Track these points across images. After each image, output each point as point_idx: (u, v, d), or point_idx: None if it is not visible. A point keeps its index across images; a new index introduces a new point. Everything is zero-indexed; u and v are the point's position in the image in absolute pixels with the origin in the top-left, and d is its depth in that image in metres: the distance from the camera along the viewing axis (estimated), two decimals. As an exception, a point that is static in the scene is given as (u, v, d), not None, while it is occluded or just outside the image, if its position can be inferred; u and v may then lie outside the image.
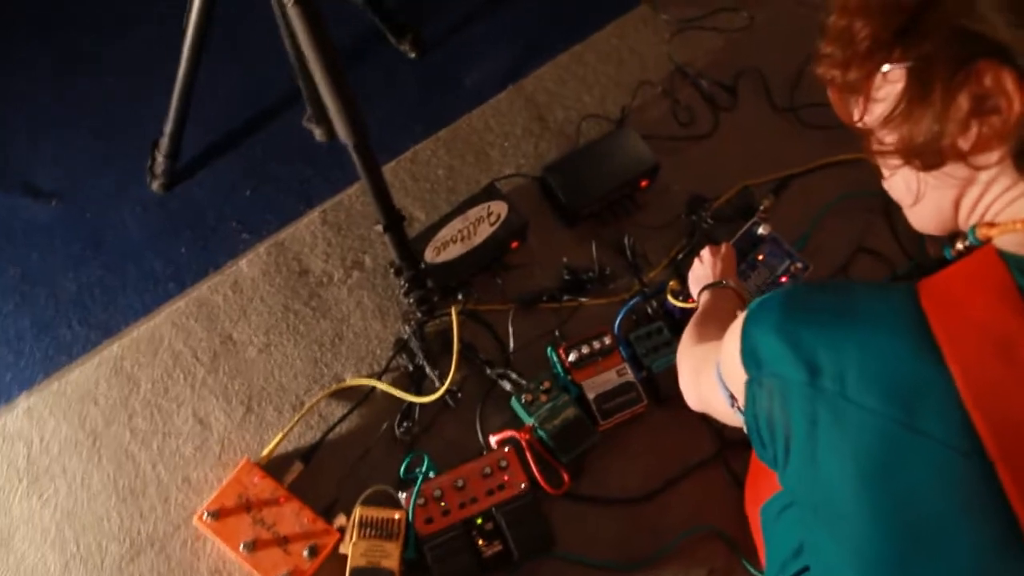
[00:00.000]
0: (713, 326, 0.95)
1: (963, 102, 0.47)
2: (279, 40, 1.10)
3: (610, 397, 1.15)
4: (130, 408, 1.17)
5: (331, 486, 1.12)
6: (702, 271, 1.13)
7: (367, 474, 1.13)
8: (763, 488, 0.97)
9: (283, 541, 1.04)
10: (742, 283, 1.11)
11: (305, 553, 1.03)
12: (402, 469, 1.11)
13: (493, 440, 1.14)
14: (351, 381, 1.20)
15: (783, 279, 1.25)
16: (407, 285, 1.16)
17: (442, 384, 1.15)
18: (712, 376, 0.70)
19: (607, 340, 1.18)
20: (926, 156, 0.52)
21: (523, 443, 1.12)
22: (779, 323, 0.54)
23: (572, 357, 1.17)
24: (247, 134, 1.45)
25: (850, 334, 0.49)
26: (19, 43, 1.52)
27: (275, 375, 1.20)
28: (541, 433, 1.12)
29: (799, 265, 1.26)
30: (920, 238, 1.31)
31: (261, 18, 1.08)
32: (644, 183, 1.33)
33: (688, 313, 1.14)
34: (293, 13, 0.84)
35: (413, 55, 1.53)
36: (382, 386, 1.18)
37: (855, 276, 1.31)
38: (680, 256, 1.30)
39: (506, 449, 1.12)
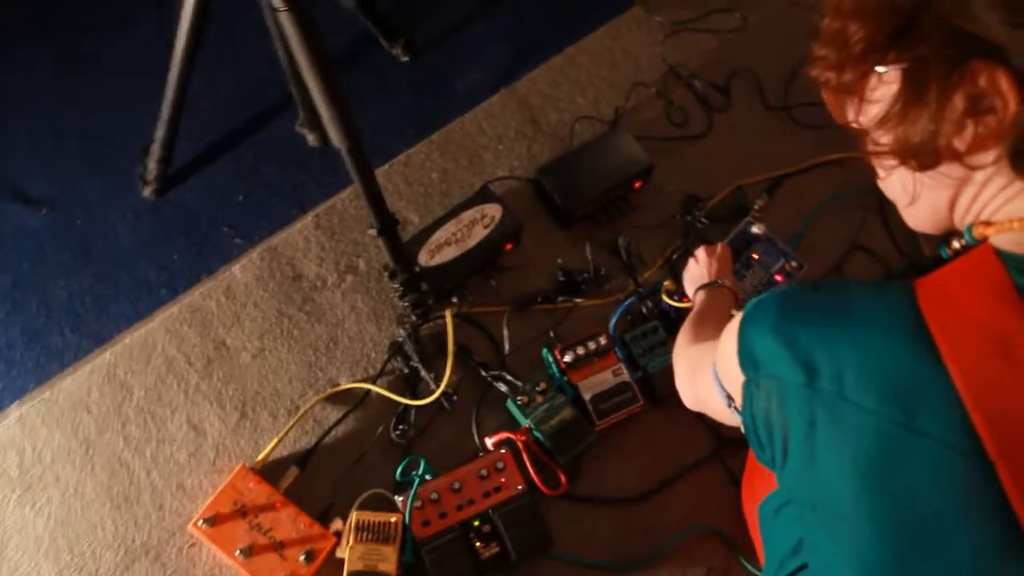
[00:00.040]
0: (709, 326, 0.95)
1: (958, 102, 0.48)
2: (271, 45, 1.09)
3: (606, 397, 1.15)
4: (123, 415, 1.16)
5: (327, 490, 1.11)
6: (697, 271, 1.13)
7: (363, 478, 1.12)
8: (760, 486, 0.98)
9: (279, 546, 1.04)
10: (737, 282, 1.11)
11: (302, 558, 1.03)
12: (398, 472, 1.11)
13: (489, 442, 1.14)
14: (346, 385, 1.19)
15: (778, 278, 1.26)
16: (401, 288, 1.16)
17: (437, 387, 1.15)
18: (709, 376, 0.70)
19: (602, 341, 1.18)
20: (922, 156, 0.52)
21: (519, 444, 1.12)
22: (776, 324, 0.54)
23: (568, 358, 1.17)
24: (239, 139, 1.44)
25: (847, 334, 0.49)
26: (7, 48, 1.51)
27: (269, 380, 1.20)
28: (537, 434, 1.12)
29: (794, 264, 1.26)
30: (914, 236, 1.32)
31: (253, 22, 1.07)
32: (638, 184, 1.34)
33: (683, 313, 1.15)
34: (285, 19, 0.84)
35: (405, 59, 1.53)
36: (377, 389, 1.17)
37: (850, 274, 1.32)
38: (675, 256, 1.31)
39: (502, 451, 1.12)
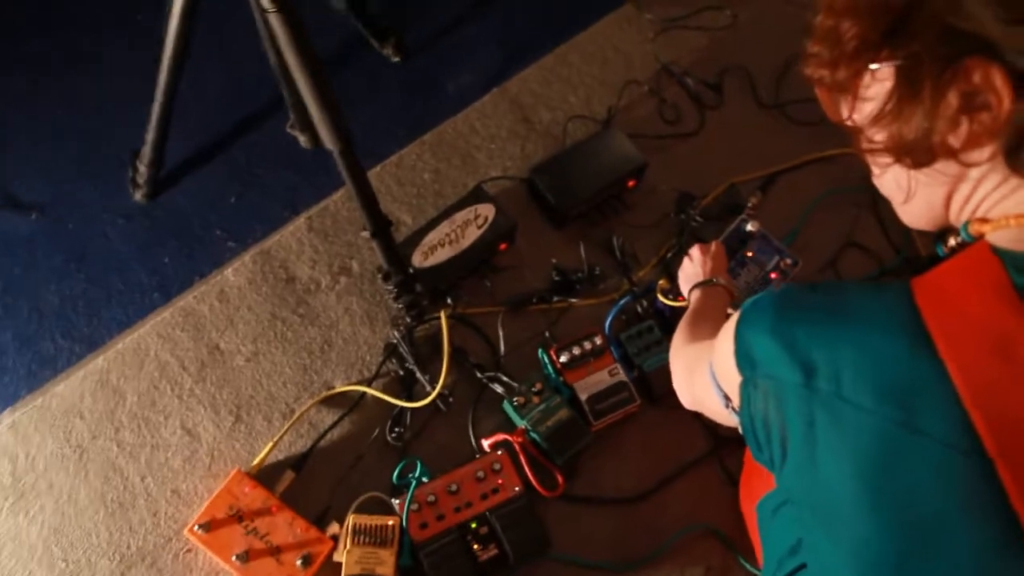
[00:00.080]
0: (705, 325, 0.95)
1: (952, 99, 0.47)
2: (261, 45, 1.09)
3: (602, 397, 1.15)
4: (117, 421, 1.15)
5: (323, 494, 1.11)
6: (692, 269, 1.13)
7: (359, 481, 1.12)
8: (758, 485, 0.98)
9: (276, 551, 1.03)
10: (732, 280, 1.11)
11: (299, 563, 1.02)
12: (395, 475, 1.11)
13: (486, 443, 1.14)
14: (341, 388, 1.19)
15: (773, 275, 1.26)
16: (396, 290, 1.15)
17: (433, 388, 1.14)
18: (705, 376, 0.70)
19: (598, 340, 1.18)
20: (917, 153, 0.52)
21: (516, 446, 1.11)
22: (773, 324, 0.53)
23: (563, 358, 1.16)
24: (231, 141, 1.43)
25: (845, 333, 0.49)
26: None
27: (264, 384, 1.19)
28: (534, 435, 1.12)
29: (788, 261, 1.26)
30: (906, 232, 1.32)
31: (243, 23, 1.06)
32: (632, 183, 1.33)
33: (678, 311, 1.15)
34: (274, 20, 0.83)
35: (396, 59, 1.52)
36: (372, 392, 1.17)
37: (844, 270, 1.32)
38: (669, 255, 1.30)
39: (499, 452, 1.11)
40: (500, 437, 1.12)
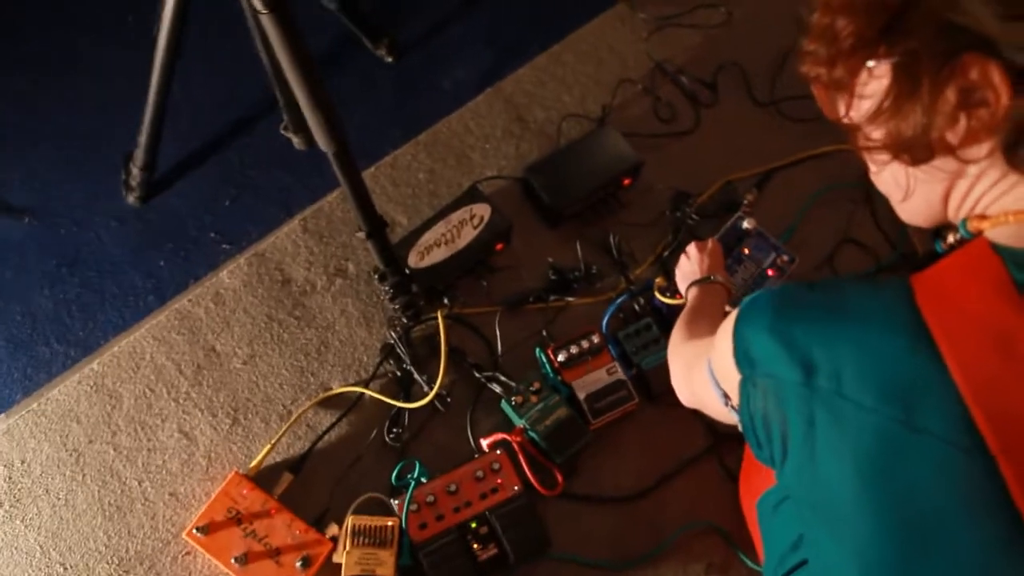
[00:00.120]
0: (703, 322, 0.95)
1: (950, 96, 0.47)
2: (254, 47, 1.08)
3: (601, 396, 1.15)
4: (113, 425, 1.14)
5: (322, 496, 1.10)
6: (689, 267, 1.13)
7: (358, 482, 1.11)
8: (757, 482, 0.98)
9: (275, 553, 1.03)
10: (729, 278, 1.11)
11: (298, 564, 1.02)
12: (393, 476, 1.10)
13: (484, 443, 1.13)
14: (338, 389, 1.18)
15: (770, 272, 1.26)
16: (392, 291, 1.15)
17: (431, 389, 1.14)
18: (704, 373, 0.70)
19: (595, 339, 1.18)
20: (915, 150, 0.52)
21: (515, 445, 1.11)
22: (771, 322, 0.53)
23: (561, 357, 1.16)
24: (224, 143, 1.43)
25: (844, 331, 0.49)
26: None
27: (261, 386, 1.19)
28: (533, 434, 1.12)
29: (785, 258, 1.26)
30: (902, 228, 1.32)
31: (235, 24, 1.06)
32: (627, 181, 1.33)
33: (676, 309, 1.15)
34: (267, 21, 0.82)
35: (389, 59, 1.52)
36: (370, 393, 1.17)
37: (841, 267, 1.32)
38: (666, 253, 1.30)
39: (498, 452, 1.11)
40: (499, 437, 1.12)
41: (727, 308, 1.04)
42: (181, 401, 1.17)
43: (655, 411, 1.19)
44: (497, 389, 1.17)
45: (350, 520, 1.04)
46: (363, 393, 1.17)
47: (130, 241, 1.33)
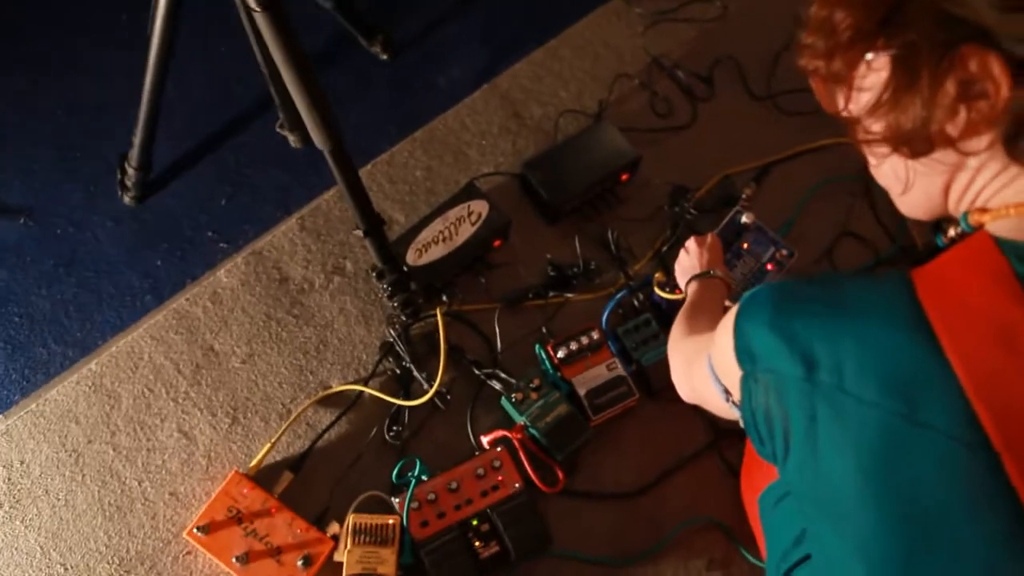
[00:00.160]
0: (703, 317, 0.95)
1: (950, 88, 0.47)
2: (248, 45, 1.08)
3: (601, 392, 1.15)
4: (112, 425, 1.14)
5: (322, 494, 1.10)
6: (688, 262, 1.13)
7: (358, 480, 1.11)
8: (759, 477, 0.97)
9: (276, 552, 1.03)
10: (729, 272, 1.11)
11: (299, 563, 1.02)
12: (394, 474, 1.10)
13: (485, 440, 1.13)
14: (338, 387, 1.18)
15: (769, 266, 1.25)
16: (390, 288, 1.15)
17: (430, 386, 1.14)
18: (704, 369, 0.70)
19: (595, 335, 1.18)
20: (915, 143, 0.51)
21: (515, 442, 1.11)
22: (772, 317, 0.53)
23: (561, 354, 1.16)
24: (220, 142, 1.42)
25: (845, 326, 0.49)
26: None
27: (260, 385, 1.18)
28: (533, 431, 1.12)
29: (784, 252, 1.26)
30: (901, 221, 1.32)
31: (229, 23, 1.05)
32: (625, 176, 1.33)
33: (675, 304, 1.14)
34: (261, 20, 0.82)
35: (385, 57, 1.51)
36: (369, 391, 1.16)
37: (840, 260, 1.32)
38: (664, 248, 1.30)
39: (498, 449, 1.11)
40: (499, 434, 1.12)
41: (727, 303, 1.03)
42: (180, 401, 1.16)
43: (655, 407, 1.19)
44: (497, 386, 1.17)
45: (351, 518, 1.04)
46: (362, 391, 1.17)
47: (127, 241, 1.33)
